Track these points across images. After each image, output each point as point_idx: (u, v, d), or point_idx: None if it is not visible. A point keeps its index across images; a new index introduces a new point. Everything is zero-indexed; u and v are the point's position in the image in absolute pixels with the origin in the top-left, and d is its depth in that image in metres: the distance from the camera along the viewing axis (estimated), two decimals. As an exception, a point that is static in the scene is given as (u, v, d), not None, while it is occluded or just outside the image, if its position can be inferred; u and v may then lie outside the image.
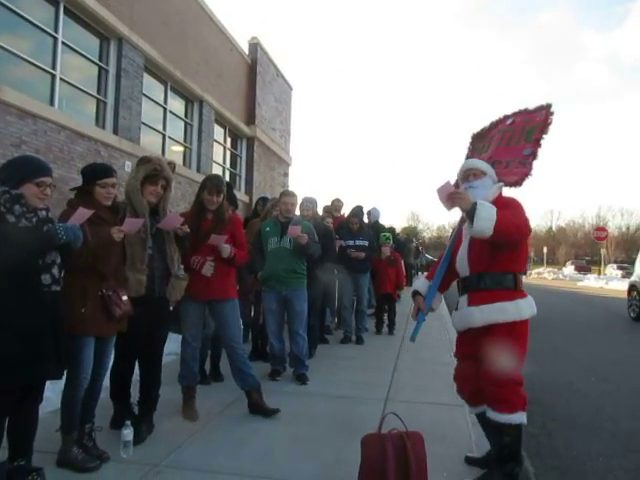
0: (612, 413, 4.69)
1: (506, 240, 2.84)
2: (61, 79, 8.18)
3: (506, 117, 3.48)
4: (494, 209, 2.78)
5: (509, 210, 2.88)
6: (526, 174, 3.14)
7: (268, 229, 5.12)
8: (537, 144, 3.15)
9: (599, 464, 3.57)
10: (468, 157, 3.64)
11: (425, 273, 3.71)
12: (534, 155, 3.14)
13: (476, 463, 3.16)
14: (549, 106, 3.21)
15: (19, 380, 2.47)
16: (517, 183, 3.17)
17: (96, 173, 3.15)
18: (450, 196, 2.90)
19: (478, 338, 2.95)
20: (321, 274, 5.93)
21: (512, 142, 3.31)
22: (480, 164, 3.20)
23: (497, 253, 2.90)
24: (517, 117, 3.39)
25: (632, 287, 12.06)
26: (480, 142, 3.65)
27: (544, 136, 3.15)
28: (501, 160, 3.29)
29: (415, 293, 3.34)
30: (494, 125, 3.57)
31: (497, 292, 2.92)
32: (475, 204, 2.78)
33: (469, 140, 3.76)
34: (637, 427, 4.31)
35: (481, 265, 2.96)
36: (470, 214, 2.79)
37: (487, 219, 2.73)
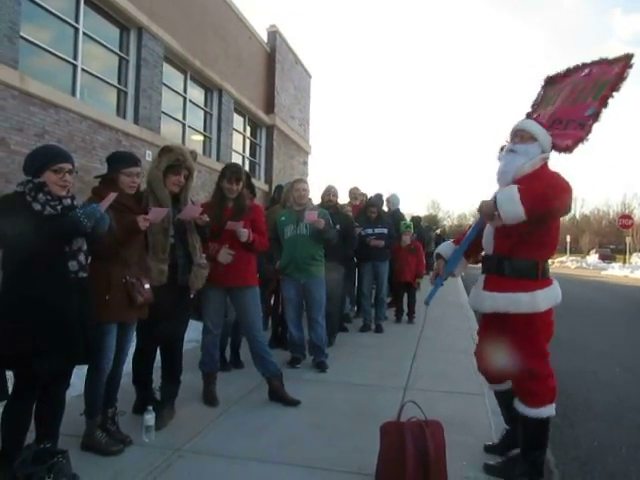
0: (636, 403, 4.63)
1: (545, 212, 2.63)
2: (82, 69, 8.26)
3: (584, 66, 3.14)
4: (512, 188, 2.60)
5: (541, 183, 2.63)
6: (581, 138, 2.84)
7: (283, 218, 5.13)
8: (603, 102, 2.83)
9: (621, 455, 3.53)
10: (535, 104, 3.37)
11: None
12: (596, 116, 2.84)
13: (494, 450, 3.13)
14: (629, 57, 2.87)
15: (50, 366, 2.52)
16: (568, 148, 2.87)
17: (122, 161, 3.19)
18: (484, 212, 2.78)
19: (498, 323, 2.87)
20: (341, 263, 5.93)
21: (580, 99, 2.99)
22: (533, 127, 2.90)
23: (526, 237, 2.74)
24: (594, 67, 3.06)
25: (658, 276, 11.82)
26: (552, 89, 3.31)
27: (614, 94, 2.83)
28: (562, 119, 2.99)
29: (438, 256, 3.21)
30: (570, 72, 3.23)
31: (515, 281, 2.77)
32: (494, 198, 2.65)
33: (541, 84, 3.44)
34: (661, 418, 4.25)
35: (505, 247, 2.81)
36: (494, 209, 2.65)
37: (509, 201, 2.57)
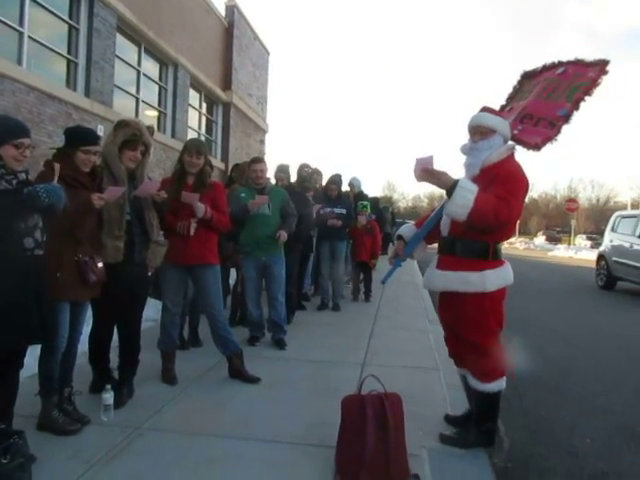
0: (578, 376, 4.89)
1: (481, 227, 2.75)
2: (29, 37, 7.84)
3: (559, 64, 3.17)
4: (473, 193, 2.65)
5: (501, 188, 2.69)
6: (550, 138, 2.89)
7: (244, 195, 5.06)
8: (576, 105, 2.87)
9: (566, 423, 3.74)
10: (510, 97, 3.39)
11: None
12: (567, 118, 2.88)
13: (453, 422, 3.27)
14: (606, 63, 2.90)
15: (4, 345, 2.45)
16: (537, 146, 2.92)
17: (81, 138, 3.09)
18: (425, 173, 2.77)
19: (451, 303, 2.97)
20: (298, 242, 5.95)
21: (552, 97, 3.03)
22: (489, 121, 2.94)
23: None
24: (570, 67, 3.09)
25: (600, 257, 12.40)
26: (528, 84, 3.33)
27: (586, 98, 2.87)
28: (533, 115, 3.03)
29: (399, 237, 3.26)
30: (545, 69, 3.26)
31: (466, 260, 2.85)
32: (454, 185, 2.68)
33: (518, 78, 3.45)
34: (601, 389, 4.51)
35: (459, 228, 2.87)
36: (448, 194, 2.71)
37: (461, 205, 2.65)
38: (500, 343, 2.96)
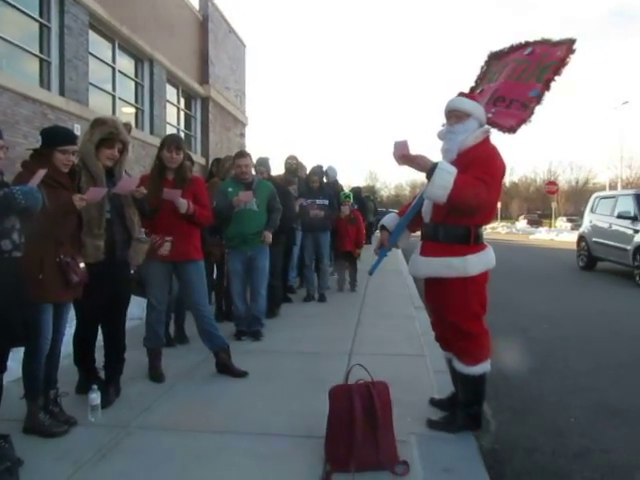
0: (562, 356, 4.98)
1: (461, 208, 2.77)
2: (-1, 37, 7.70)
3: (526, 44, 3.18)
4: (452, 175, 2.66)
5: (479, 170, 2.72)
6: (524, 120, 2.91)
7: (231, 189, 5.02)
8: (546, 86, 2.89)
9: (551, 403, 3.81)
10: (479, 79, 3.38)
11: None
12: (539, 99, 2.91)
13: (439, 405, 3.31)
14: (572, 42, 2.91)
15: None
16: (512, 129, 2.95)
17: (58, 138, 3.04)
18: (404, 157, 2.80)
19: (436, 288, 3.01)
20: (281, 235, 5.94)
21: (523, 77, 3.05)
22: (464, 105, 2.95)
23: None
24: (537, 47, 3.10)
25: (581, 238, 12.59)
26: (495, 65, 3.33)
27: (556, 78, 2.89)
28: (505, 97, 3.04)
29: (382, 228, 3.29)
30: (513, 50, 3.25)
31: (449, 246, 2.88)
32: (434, 168, 2.70)
33: (485, 59, 3.45)
34: (584, 368, 4.60)
35: (440, 215, 2.91)
36: (428, 177, 2.73)
37: (441, 187, 2.66)
38: (484, 326, 3.00)
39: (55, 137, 3.06)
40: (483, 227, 3.03)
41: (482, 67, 3.48)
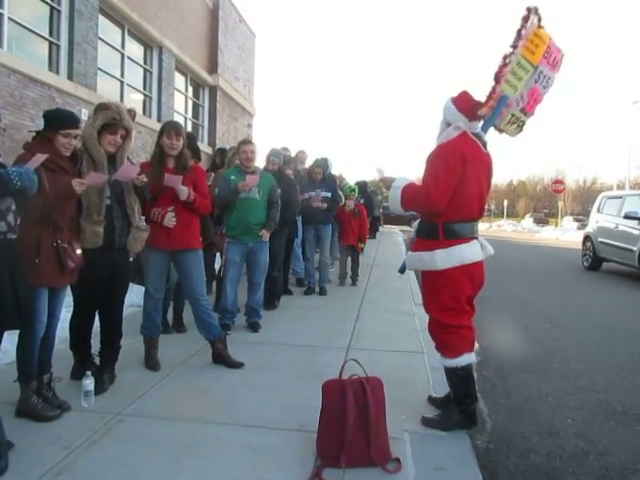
0: (562, 357, 4.93)
1: (421, 211, 3.07)
2: (9, 18, 7.66)
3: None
4: (399, 189, 2.97)
5: (425, 172, 2.94)
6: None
7: (234, 177, 4.98)
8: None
9: (548, 403, 3.77)
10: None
11: None
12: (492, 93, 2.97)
13: (435, 403, 3.30)
14: (529, 10, 2.89)
15: None
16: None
17: (61, 121, 3.01)
18: (380, 179, 3.26)
19: (422, 280, 3.19)
20: (283, 228, 5.91)
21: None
22: (443, 109, 3.10)
23: None
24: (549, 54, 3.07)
25: (586, 238, 12.48)
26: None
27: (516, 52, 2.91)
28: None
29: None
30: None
31: (424, 241, 3.05)
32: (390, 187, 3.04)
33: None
34: (585, 369, 4.55)
35: (424, 214, 3.10)
36: None
37: (394, 201, 3.02)
38: (461, 320, 3.00)
39: (58, 120, 3.03)
40: (463, 223, 2.98)
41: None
